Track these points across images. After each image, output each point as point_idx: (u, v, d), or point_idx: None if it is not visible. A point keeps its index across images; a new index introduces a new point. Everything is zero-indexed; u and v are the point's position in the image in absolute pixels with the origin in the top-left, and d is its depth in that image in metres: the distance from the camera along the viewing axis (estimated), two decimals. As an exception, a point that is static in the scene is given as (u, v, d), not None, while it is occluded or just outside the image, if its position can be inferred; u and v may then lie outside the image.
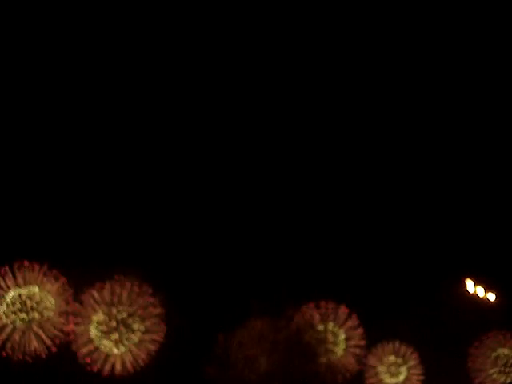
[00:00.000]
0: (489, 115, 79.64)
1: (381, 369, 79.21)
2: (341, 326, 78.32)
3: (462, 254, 79.00)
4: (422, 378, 79.02)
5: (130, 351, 73.61)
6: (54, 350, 71.93)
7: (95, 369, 72.44)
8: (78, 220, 74.55)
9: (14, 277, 71.89)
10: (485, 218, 79.56)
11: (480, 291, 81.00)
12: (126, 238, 74.51)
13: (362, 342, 78.52)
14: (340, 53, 78.01)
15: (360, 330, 78.59)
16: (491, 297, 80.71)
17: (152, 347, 74.07)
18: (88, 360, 72.35)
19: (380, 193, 79.44)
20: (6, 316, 71.53)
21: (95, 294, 73.29)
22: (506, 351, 79.87)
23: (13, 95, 74.89)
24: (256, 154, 78.23)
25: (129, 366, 73.29)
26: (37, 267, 72.36)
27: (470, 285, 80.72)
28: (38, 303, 72.27)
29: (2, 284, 71.66)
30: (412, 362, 79.37)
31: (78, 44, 75.84)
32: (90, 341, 73.12)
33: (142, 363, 73.73)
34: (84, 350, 72.67)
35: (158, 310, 74.31)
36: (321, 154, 78.99)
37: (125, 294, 73.50)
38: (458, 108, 79.86)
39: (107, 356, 73.08)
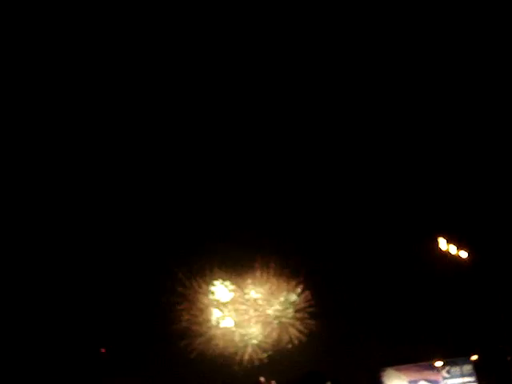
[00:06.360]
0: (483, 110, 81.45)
1: None
2: None
3: (435, 211, 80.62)
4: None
5: None
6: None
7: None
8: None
9: None
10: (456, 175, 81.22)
11: (452, 249, 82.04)
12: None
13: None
14: (340, 53, 78.75)
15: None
16: (463, 254, 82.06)
17: None
18: None
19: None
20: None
21: None
22: None
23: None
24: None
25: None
26: None
27: (442, 243, 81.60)
28: None
29: None
30: None
31: (78, 44, 76.28)
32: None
33: None
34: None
35: None
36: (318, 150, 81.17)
37: None
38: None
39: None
